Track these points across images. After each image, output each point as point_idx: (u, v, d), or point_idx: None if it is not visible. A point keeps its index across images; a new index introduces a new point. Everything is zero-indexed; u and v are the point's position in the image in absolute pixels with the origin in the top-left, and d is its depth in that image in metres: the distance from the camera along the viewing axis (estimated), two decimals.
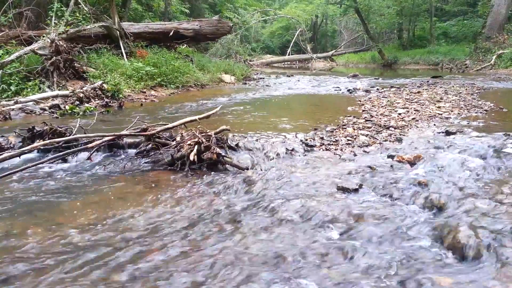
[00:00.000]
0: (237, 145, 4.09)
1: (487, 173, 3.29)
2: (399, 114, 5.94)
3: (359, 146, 4.20)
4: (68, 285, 1.84)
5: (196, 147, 3.57)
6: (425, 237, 2.23)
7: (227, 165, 3.63)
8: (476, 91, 9.15)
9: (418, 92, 8.70)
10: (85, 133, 4.11)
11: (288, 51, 28.27)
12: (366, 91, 9.47)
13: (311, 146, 4.18)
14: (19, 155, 3.49)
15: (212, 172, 3.53)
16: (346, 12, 30.14)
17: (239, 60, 17.78)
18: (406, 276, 1.88)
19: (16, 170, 3.24)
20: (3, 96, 6.83)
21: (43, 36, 8.37)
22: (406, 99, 7.58)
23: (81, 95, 6.96)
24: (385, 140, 4.42)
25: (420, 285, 1.79)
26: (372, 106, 6.84)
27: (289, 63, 28.23)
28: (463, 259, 2.01)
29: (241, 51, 19.47)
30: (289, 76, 15.59)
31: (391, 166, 3.53)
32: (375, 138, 4.51)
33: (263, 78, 14.50)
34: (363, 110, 6.39)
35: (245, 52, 20.40)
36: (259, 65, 23.45)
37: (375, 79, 14.14)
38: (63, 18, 9.27)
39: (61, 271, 1.96)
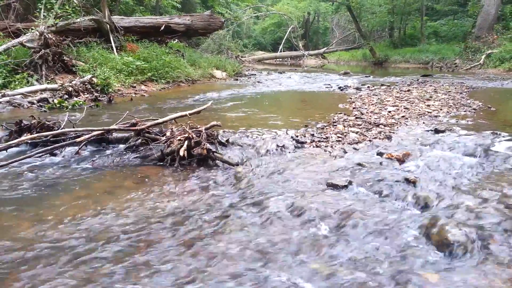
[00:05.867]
0: (227, 141, 4.08)
1: (474, 171, 3.33)
2: (389, 112, 5.97)
3: (349, 143, 4.21)
4: (54, 280, 1.82)
5: (186, 142, 3.55)
6: (413, 234, 2.25)
7: (217, 161, 3.62)
8: (465, 90, 9.24)
9: (408, 90, 8.76)
10: (73, 127, 4.06)
11: (280, 48, 28.27)
12: (357, 88, 9.51)
13: (302, 142, 4.19)
14: (5, 148, 3.44)
15: (202, 168, 3.52)
16: (338, 10, 30.20)
17: (231, 56, 17.74)
18: (393, 272, 1.90)
19: (2, 164, 3.19)
20: None
21: (32, 29, 8.25)
22: (396, 97, 7.63)
23: (70, 89, 6.89)
24: (375, 138, 4.44)
25: (407, 281, 1.80)
26: (363, 103, 6.87)
27: (280, 59, 28.25)
28: (450, 255, 2.03)
29: (233, 47, 19.44)
30: (281, 73, 15.59)
31: (381, 163, 3.55)
32: (365, 135, 4.53)
33: (255, 75, 14.48)
34: (353, 108, 6.42)
35: (236, 48, 20.37)
36: (250, 62, 23.44)
37: (366, 77, 14.21)
38: (52, 10, 9.13)
39: (47, 266, 1.94)
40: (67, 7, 9.51)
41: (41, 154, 3.53)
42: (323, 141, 4.28)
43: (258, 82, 11.76)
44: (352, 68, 21.44)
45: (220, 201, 2.82)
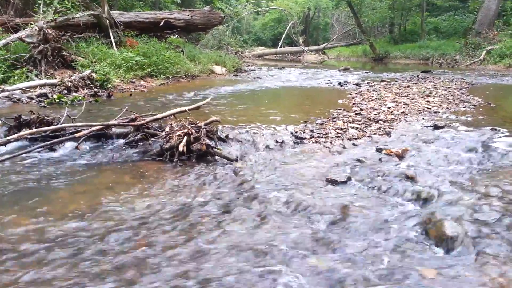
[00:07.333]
0: (227, 136, 4.08)
1: (473, 166, 3.33)
2: (389, 107, 5.97)
3: (348, 139, 4.21)
4: (53, 275, 1.83)
5: (185, 138, 3.56)
6: (411, 229, 2.25)
7: (216, 157, 3.63)
8: (465, 86, 9.22)
9: (408, 86, 8.75)
10: (72, 123, 4.06)
11: (280, 44, 28.17)
12: (357, 84, 9.50)
13: (301, 138, 4.19)
14: (5, 143, 3.44)
15: (201, 163, 3.52)
16: (338, 5, 30.09)
17: (231, 51, 17.65)
18: (392, 267, 1.90)
19: (1, 159, 3.19)
20: None
21: (31, 24, 8.22)
22: (396, 93, 7.62)
23: (69, 84, 6.87)
24: (374, 133, 4.44)
25: (405, 276, 1.81)
26: (362, 99, 6.86)
27: (280, 55, 28.17)
28: (448, 251, 2.03)
29: (233, 42, 19.35)
30: (281, 69, 15.55)
31: (380, 159, 3.55)
32: (365, 131, 4.53)
33: (254, 70, 14.44)
34: (353, 104, 6.41)
35: (236, 43, 20.29)
36: (250, 57, 23.33)
37: (366, 72, 14.18)
38: (51, 5, 9.09)
39: (47, 261, 1.94)
40: (66, 2, 9.46)
41: (40, 149, 3.53)
42: (322, 137, 4.28)
43: (258, 77, 11.74)
44: (352, 64, 21.38)
45: (219, 197, 2.83)
